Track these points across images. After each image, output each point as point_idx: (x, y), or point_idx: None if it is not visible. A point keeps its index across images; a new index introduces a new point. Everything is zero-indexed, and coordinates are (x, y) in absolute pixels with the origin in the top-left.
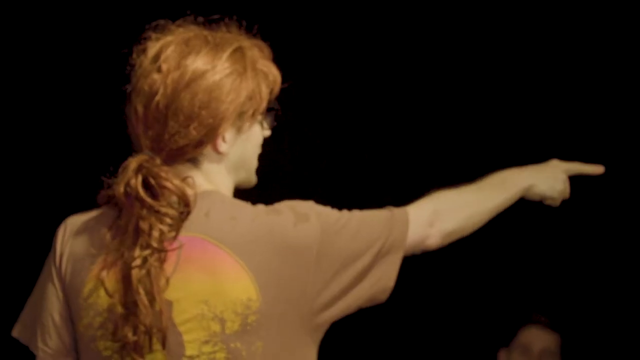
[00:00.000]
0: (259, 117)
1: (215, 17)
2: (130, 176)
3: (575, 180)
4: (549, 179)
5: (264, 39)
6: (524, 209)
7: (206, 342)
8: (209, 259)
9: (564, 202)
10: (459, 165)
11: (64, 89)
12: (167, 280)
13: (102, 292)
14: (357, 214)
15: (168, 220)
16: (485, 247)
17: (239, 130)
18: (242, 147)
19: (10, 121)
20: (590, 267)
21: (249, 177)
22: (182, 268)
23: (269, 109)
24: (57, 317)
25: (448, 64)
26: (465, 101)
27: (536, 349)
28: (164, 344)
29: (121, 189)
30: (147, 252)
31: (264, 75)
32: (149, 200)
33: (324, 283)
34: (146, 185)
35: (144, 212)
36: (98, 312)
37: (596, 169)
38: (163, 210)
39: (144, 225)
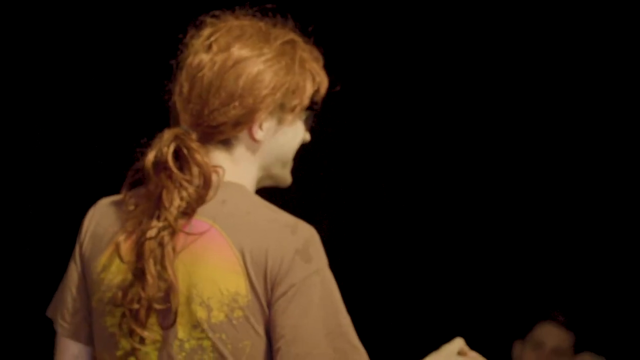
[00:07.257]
0: (301, 114)
1: (269, 5)
2: (163, 144)
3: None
4: None
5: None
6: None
7: (194, 327)
8: (210, 245)
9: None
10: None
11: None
12: (177, 255)
13: (113, 268)
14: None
15: (187, 198)
16: (507, 244)
17: (279, 121)
18: (280, 139)
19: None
20: (609, 270)
21: (284, 173)
22: (184, 249)
23: (310, 108)
24: (75, 292)
25: (444, 64)
26: (462, 101)
27: (549, 346)
28: (163, 321)
29: (152, 157)
30: (162, 224)
31: (311, 75)
32: (175, 170)
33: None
34: (177, 156)
35: (169, 182)
36: (108, 287)
37: None
38: (185, 184)
39: (165, 197)
